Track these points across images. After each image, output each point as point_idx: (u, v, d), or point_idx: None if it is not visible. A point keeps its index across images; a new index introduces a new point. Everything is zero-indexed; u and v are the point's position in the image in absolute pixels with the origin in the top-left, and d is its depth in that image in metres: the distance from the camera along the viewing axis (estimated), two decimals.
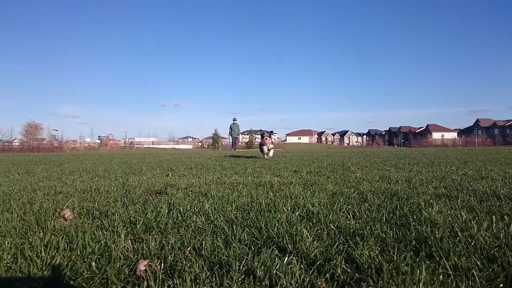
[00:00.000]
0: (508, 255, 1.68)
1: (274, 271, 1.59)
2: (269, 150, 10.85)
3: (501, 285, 1.42)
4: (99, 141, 62.48)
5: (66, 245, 2.00)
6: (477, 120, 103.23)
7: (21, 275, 1.66)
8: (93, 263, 1.73)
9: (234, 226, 2.31)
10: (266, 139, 10.77)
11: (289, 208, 2.84)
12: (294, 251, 1.86)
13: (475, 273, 1.52)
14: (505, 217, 2.46)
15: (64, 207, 3.01)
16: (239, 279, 1.55)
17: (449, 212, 2.63)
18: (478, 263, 1.62)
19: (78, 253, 1.89)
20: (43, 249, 1.91)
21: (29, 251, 1.88)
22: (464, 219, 2.40)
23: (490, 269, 1.57)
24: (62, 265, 1.74)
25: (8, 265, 1.75)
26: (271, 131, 11.64)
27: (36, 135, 52.60)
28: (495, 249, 1.79)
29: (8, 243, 2.04)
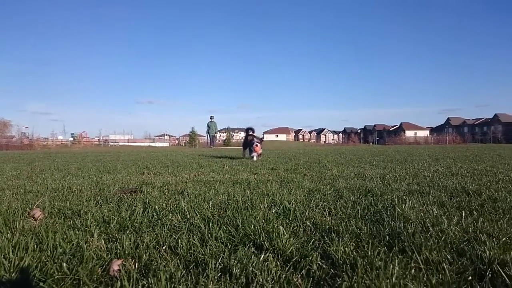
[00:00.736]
0: (476, 249, 1.74)
1: (251, 268, 1.59)
2: (259, 156, 8.94)
3: (470, 277, 1.47)
4: (72, 138, 60.55)
5: (35, 246, 1.93)
6: (448, 119, 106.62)
7: None
8: (64, 264, 1.68)
9: (211, 224, 2.29)
10: (256, 145, 8.52)
11: (266, 206, 2.85)
12: (271, 248, 1.87)
13: (445, 267, 1.56)
14: (474, 212, 2.54)
15: (34, 207, 2.91)
16: (215, 277, 1.54)
17: (421, 208, 2.70)
18: (448, 257, 1.67)
19: (49, 253, 1.83)
20: (11, 250, 1.84)
21: None
22: (435, 214, 2.47)
23: (460, 263, 1.62)
24: (32, 267, 1.68)
25: None
26: (262, 138, 9.32)
27: (4, 133, 50.55)
28: (464, 243, 1.85)
29: None
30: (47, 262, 1.72)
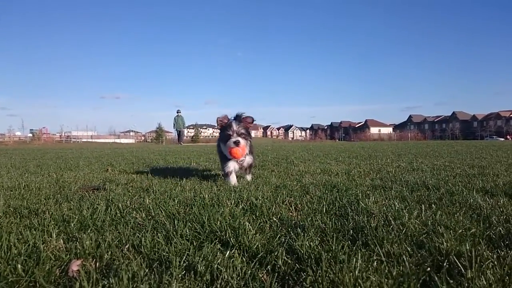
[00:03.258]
0: (435, 241, 1.81)
1: (216, 265, 1.57)
2: (248, 169, 4.31)
3: (428, 269, 1.52)
4: (31, 134, 57.77)
5: None
6: (410, 116, 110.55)
7: None
8: (19, 266, 1.59)
9: (176, 221, 2.25)
10: (238, 141, 3.77)
11: (233, 202, 2.83)
12: (237, 245, 1.86)
13: (405, 259, 1.61)
14: (433, 205, 2.64)
15: None
16: (179, 275, 1.51)
17: (383, 202, 2.78)
18: (409, 249, 1.73)
19: (2, 255, 1.73)
20: None
21: None
22: (397, 208, 2.55)
23: (419, 255, 1.67)
24: None
25: None
26: (248, 131, 4.00)
27: None
28: (423, 236, 1.92)
29: None
30: (0, 264, 1.62)
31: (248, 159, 4.02)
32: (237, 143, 3.68)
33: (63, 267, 1.62)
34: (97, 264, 1.65)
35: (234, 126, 3.73)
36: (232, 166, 3.93)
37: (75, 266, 1.59)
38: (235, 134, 3.71)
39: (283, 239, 1.93)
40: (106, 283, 1.43)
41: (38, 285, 1.47)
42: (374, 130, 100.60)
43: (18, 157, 10.22)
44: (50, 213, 2.54)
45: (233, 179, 3.92)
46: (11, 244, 1.86)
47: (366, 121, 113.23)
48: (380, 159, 7.40)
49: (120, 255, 1.74)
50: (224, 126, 3.83)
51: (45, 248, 1.82)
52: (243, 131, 3.77)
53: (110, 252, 1.77)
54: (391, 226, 2.09)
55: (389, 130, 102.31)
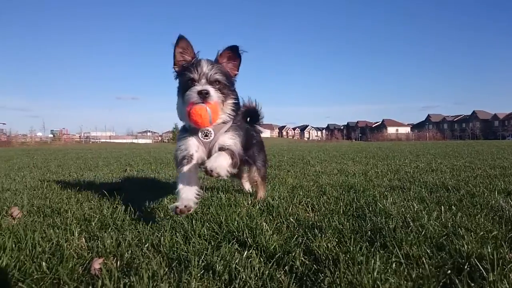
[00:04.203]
0: (455, 243, 1.78)
1: (234, 265, 1.58)
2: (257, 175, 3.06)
3: (449, 271, 1.50)
4: (52, 135, 59.38)
5: (14, 245, 1.88)
6: (429, 116, 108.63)
7: None
8: (44, 263, 1.64)
9: (194, 221, 2.28)
10: (207, 92, 2.16)
11: (250, 202, 2.84)
12: (254, 245, 1.87)
13: (425, 261, 1.59)
14: (453, 207, 2.60)
15: (12, 205, 2.84)
16: (198, 274, 1.53)
17: (402, 203, 2.75)
18: (428, 251, 1.71)
19: (27, 253, 1.79)
20: None
21: None
22: (415, 209, 2.52)
23: (439, 257, 1.65)
24: (10, 266, 1.63)
25: None
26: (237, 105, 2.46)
27: None
28: (443, 238, 1.89)
29: None
30: (26, 262, 1.68)
31: (228, 141, 2.36)
32: (204, 96, 2.12)
33: (85, 265, 1.66)
34: (118, 262, 1.68)
35: (204, 67, 2.21)
36: (192, 148, 2.35)
37: (97, 264, 1.63)
38: (203, 80, 2.19)
39: (300, 240, 1.93)
40: (127, 281, 1.46)
41: (62, 283, 1.51)
42: (391, 130, 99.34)
43: (40, 157, 10.49)
44: (72, 212, 2.61)
45: (187, 189, 2.21)
46: (36, 242, 1.91)
47: (383, 120, 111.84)
48: (397, 160, 7.31)
49: (140, 254, 1.77)
50: (186, 67, 2.27)
51: (68, 246, 1.87)
52: (219, 77, 2.24)
53: (130, 251, 1.81)
54: (410, 228, 2.07)
55: (406, 130, 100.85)
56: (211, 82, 2.20)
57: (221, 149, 2.30)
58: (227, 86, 2.28)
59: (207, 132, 2.33)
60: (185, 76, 2.22)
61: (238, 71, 2.40)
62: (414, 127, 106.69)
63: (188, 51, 2.32)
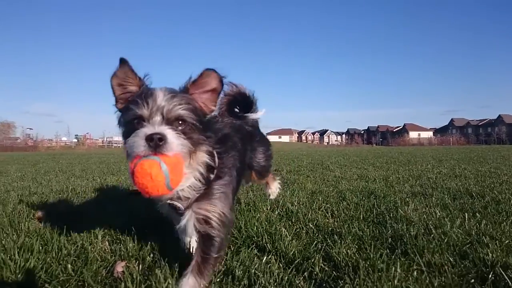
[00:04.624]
0: (479, 251, 1.74)
1: (253, 270, 1.59)
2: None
3: (472, 280, 1.47)
4: (76, 140, 61.00)
5: (41, 247, 1.95)
6: (452, 120, 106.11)
7: None
8: (69, 265, 1.69)
9: None
10: (162, 138, 1.38)
11: (269, 207, 2.85)
12: (273, 250, 1.87)
13: (447, 269, 1.56)
14: (477, 214, 2.54)
15: (39, 209, 2.94)
16: (218, 279, 1.55)
17: (424, 210, 2.70)
18: (451, 260, 1.67)
19: (54, 255, 1.85)
20: (16, 252, 1.86)
21: (1, 254, 1.82)
22: (438, 216, 2.47)
23: (462, 265, 1.62)
24: (37, 268, 1.69)
25: None
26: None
27: (9, 134, 51.01)
28: (467, 246, 1.85)
29: None
30: (52, 264, 1.73)
31: (211, 213, 1.62)
32: (156, 143, 1.39)
33: (108, 267, 1.71)
34: (140, 266, 1.72)
35: (159, 98, 1.48)
36: None
37: (120, 267, 1.67)
38: (156, 118, 1.45)
39: (320, 246, 1.92)
40: (148, 284, 1.49)
41: (86, 285, 1.55)
42: (413, 134, 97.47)
43: (65, 161, 10.78)
44: (95, 215, 2.67)
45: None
46: (61, 245, 1.97)
47: (404, 125, 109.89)
48: (419, 165, 7.17)
49: (161, 257, 1.80)
50: (132, 100, 1.54)
51: (92, 249, 1.92)
52: (183, 113, 1.49)
53: (152, 255, 1.84)
54: (432, 235, 2.03)
55: (429, 134, 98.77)
56: (170, 121, 1.44)
57: (200, 232, 1.59)
58: (197, 128, 1.51)
59: (166, 199, 1.61)
60: (129, 113, 1.47)
61: (216, 106, 1.62)
62: (436, 131, 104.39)
63: (130, 80, 1.56)
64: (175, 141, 1.39)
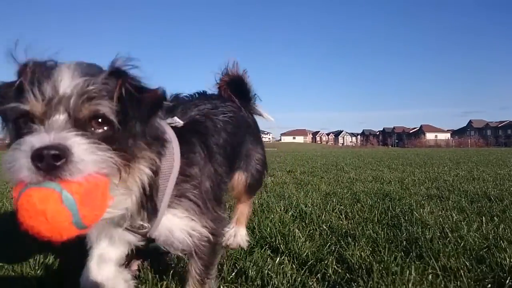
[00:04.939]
0: (496, 256, 1.71)
1: (266, 271, 1.60)
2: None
3: (489, 285, 1.45)
4: None
5: None
6: (470, 121, 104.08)
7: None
8: None
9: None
10: (61, 149, 0.85)
11: (282, 208, 2.85)
12: (286, 251, 1.88)
13: (463, 274, 1.54)
14: (495, 218, 2.49)
15: None
16: (231, 279, 1.56)
17: (440, 213, 2.66)
18: (467, 264, 1.65)
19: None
20: None
21: None
22: (454, 220, 2.43)
23: (479, 270, 1.59)
24: (55, 264, 1.73)
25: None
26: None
27: None
28: (484, 250, 1.82)
29: None
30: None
31: (182, 234, 1.26)
32: (52, 164, 0.85)
33: (124, 265, 1.73)
34: (155, 265, 1.74)
35: (63, 82, 0.92)
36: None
37: (135, 265, 1.70)
38: (58, 116, 0.91)
39: (333, 248, 1.92)
40: (163, 284, 1.51)
41: None
42: (430, 136, 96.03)
43: None
44: None
45: None
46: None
47: (421, 126, 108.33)
48: (436, 167, 7.06)
49: (175, 257, 1.82)
50: (16, 85, 0.95)
51: None
52: (102, 108, 0.95)
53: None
54: (448, 239, 2.00)
55: (446, 136, 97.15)
56: (81, 122, 0.94)
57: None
58: (128, 130, 0.99)
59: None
60: (9, 107, 0.96)
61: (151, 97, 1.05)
62: (454, 133, 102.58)
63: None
64: (85, 157, 0.88)
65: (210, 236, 1.26)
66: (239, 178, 1.83)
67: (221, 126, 1.55)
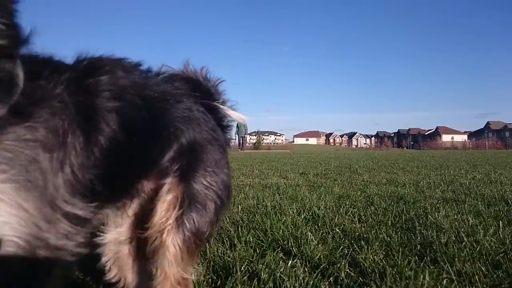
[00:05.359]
0: None
1: (278, 274, 1.60)
2: None
3: None
4: None
5: None
6: (488, 123, 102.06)
7: None
8: None
9: (240, 228, 2.33)
10: None
11: (295, 211, 2.85)
12: (299, 254, 1.87)
13: (479, 279, 1.52)
14: None
15: None
16: (243, 281, 1.57)
17: (455, 217, 2.62)
18: (483, 269, 1.62)
19: None
20: None
21: None
22: (470, 224, 2.39)
23: (495, 275, 1.56)
24: None
25: None
26: None
27: None
28: (500, 255, 1.78)
29: None
30: None
31: None
32: None
33: None
34: None
35: None
36: None
37: None
38: None
39: (346, 251, 1.91)
40: None
41: None
42: (446, 138, 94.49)
43: None
44: None
45: None
46: None
47: (437, 128, 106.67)
48: (452, 170, 6.94)
49: None
50: None
51: None
52: None
53: None
54: (464, 243, 1.97)
55: (463, 138, 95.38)
56: None
57: None
58: None
59: None
60: None
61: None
62: (471, 135, 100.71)
63: None
64: None
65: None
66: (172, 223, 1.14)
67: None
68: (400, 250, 1.87)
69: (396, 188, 4.20)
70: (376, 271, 1.63)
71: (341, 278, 1.59)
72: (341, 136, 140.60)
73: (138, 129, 1.07)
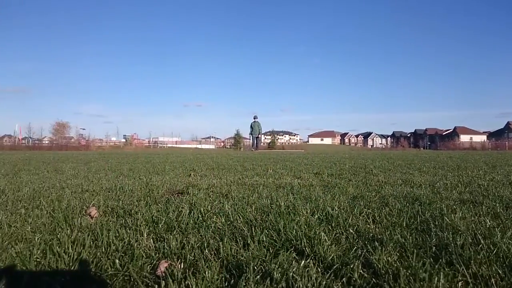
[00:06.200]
0: None
1: (291, 274, 1.61)
2: None
3: None
4: (124, 140, 64.27)
5: (91, 242, 2.08)
6: (508, 123, 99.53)
7: (49, 270, 1.75)
8: (117, 261, 1.80)
9: (253, 228, 2.34)
10: None
11: (309, 211, 2.85)
12: (312, 254, 1.88)
13: (495, 282, 1.49)
14: None
15: (90, 205, 3.12)
16: (256, 280, 1.58)
17: (472, 219, 2.58)
18: (500, 272, 1.59)
19: (103, 250, 1.97)
20: (70, 246, 2.00)
21: (57, 247, 1.97)
22: (488, 226, 2.35)
23: None
24: (88, 262, 1.81)
25: (37, 260, 1.84)
26: None
27: (64, 134, 54.59)
28: None
29: (37, 239, 2.14)
30: (101, 258, 1.85)
31: None
32: None
33: (153, 264, 1.79)
34: (182, 264, 1.79)
35: None
36: None
37: (163, 266, 1.75)
38: None
39: (360, 252, 1.90)
40: (189, 283, 1.55)
41: (132, 280, 1.64)
42: (464, 138, 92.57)
43: (114, 160, 11.32)
44: (142, 214, 2.80)
45: None
46: (110, 240, 2.09)
47: (455, 128, 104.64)
48: (470, 171, 6.81)
49: (201, 257, 1.86)
50: None
51: (137, 246, 2.02)
52: None
53: (193, 254, 1.91)
54: (480, 246, 1.94)
55: (482, 138, 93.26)
56: None
57: None
58: None
59: None
60: None
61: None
62: (491, 135, 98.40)
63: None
64: None
65: None
66: None
67: None
68: (415, 251, 1.86)
69: (411, 189, 4.14)
70: (390, 273, 1.62)
71: (354, 279, 1.59)
72: (357, 136, 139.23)
73: None
